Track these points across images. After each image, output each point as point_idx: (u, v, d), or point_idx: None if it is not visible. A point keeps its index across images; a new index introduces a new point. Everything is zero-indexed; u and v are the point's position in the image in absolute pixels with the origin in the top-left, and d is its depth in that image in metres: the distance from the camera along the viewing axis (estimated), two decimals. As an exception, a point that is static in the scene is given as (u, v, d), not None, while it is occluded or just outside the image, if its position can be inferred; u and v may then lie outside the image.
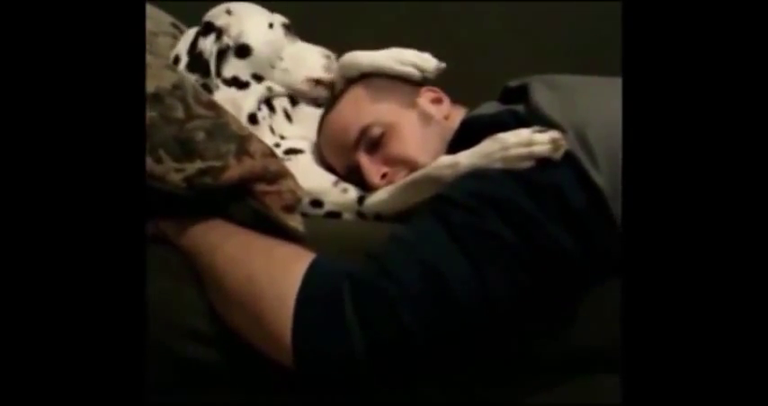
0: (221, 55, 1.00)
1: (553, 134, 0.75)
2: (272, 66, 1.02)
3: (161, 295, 0.76)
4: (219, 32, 1.00)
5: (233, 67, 1.01)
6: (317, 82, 1.04)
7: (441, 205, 0.76)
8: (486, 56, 1.34)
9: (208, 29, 1.00)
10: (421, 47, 1.01)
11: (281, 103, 1.05)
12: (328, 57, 1.05)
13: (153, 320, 0.75)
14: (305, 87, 1.04)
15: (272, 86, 1.03)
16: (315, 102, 1.06)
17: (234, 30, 1.01)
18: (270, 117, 1.02)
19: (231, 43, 1.00)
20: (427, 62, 0.99)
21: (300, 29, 1.08)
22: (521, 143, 0.75)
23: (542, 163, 0.74)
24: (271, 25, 1.03)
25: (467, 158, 0.78)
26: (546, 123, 0.78)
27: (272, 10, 1.07)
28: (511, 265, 0.70)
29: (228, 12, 1.03)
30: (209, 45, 0.98)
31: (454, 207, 0.74)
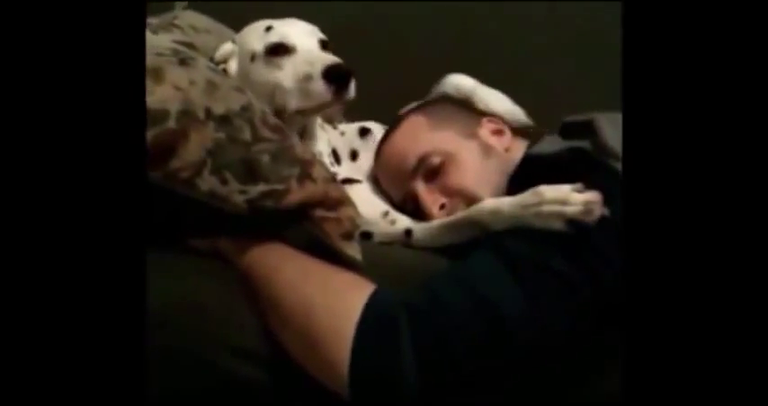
0: None
1: (588, 196, 0.73)
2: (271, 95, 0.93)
3: (217, 312, 0.77)
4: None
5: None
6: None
7: (502, 236, 0.75)
8: (487, 56, 1.36)
9: None
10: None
11: (347, 145, 1.05)
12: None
13: (208, 337, 0.76)
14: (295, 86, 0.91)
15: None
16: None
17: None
18: (333, 165, 1.01)
19: None
20: (523, 116, 1.01)
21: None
22: (556, 200, 0.73)
23: (609, 199, 0.73)
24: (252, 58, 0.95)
25: (508, 206, 0.77)
26: (613, 157, 0.78)
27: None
28: (570, 302, 0.70)
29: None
30: None
31: (515, 239, 0.74)
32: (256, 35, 0.96)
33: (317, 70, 0.88)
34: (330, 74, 0.88)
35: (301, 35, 0.94)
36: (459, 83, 1.02)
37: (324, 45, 0.96)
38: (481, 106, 1.00)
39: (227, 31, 1.13)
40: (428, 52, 1.42)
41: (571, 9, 1.37)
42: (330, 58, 0.90)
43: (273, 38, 0.94)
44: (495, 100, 1.01)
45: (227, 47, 0.99)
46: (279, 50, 0.93)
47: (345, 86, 0.89)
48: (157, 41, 0.87)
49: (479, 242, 0.78)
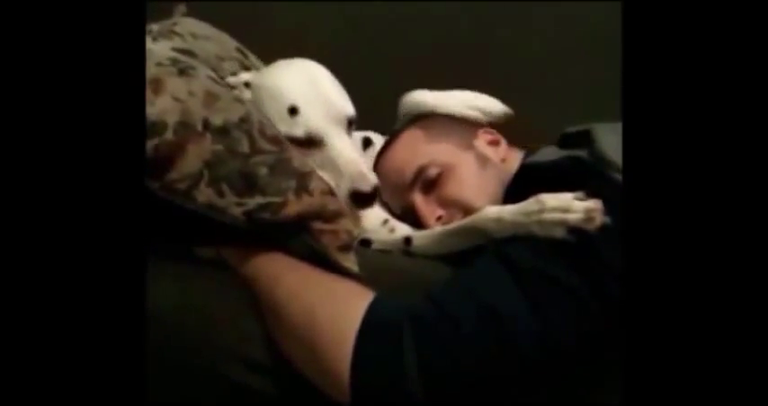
0: None
1: (589, 204, 0.73)
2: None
3: (221, 321, 0.78)
4: None
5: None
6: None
7: (504, 244, 0.75)
8: (488, 59, 1.37)
9: None
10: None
11: None
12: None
13: (212, 346, 0.76)
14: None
15: None
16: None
17: None
18: None
19: None
20: (494, 107, 0.98)
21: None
22: (558, 207, 0.74)
23: (609, 208, 0.73)
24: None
25: (510, 214, 0.77)
26: (610, 167, 0.79)
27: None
28: (574, 311, 0.70)
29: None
30: None
31: (518, 247, 0.74)
32: (279, 115, 0.87)
33: (344, 189, 0.83)
34: (355, 199, 0.84)
35: (330, 123, 0.86)
36: (419, 100, 1.01)
37: (350, 123, 0.89)
38: (438, 111, 1.00)
39: (227, 38, 1.13)
40: (430, 57, 1.42)
41: (571, 9, 1.38)
42: (359, 173, 0.83)
43: (299, 129, 0.85)
44: (458, 102, 0.99)
45: (243, 77, 0.93)
46: (305, 143, 0.86)
47: (367, 206, 0.86)
48: (158, 50, 0.87)
49: (480, 250, 0.78)
